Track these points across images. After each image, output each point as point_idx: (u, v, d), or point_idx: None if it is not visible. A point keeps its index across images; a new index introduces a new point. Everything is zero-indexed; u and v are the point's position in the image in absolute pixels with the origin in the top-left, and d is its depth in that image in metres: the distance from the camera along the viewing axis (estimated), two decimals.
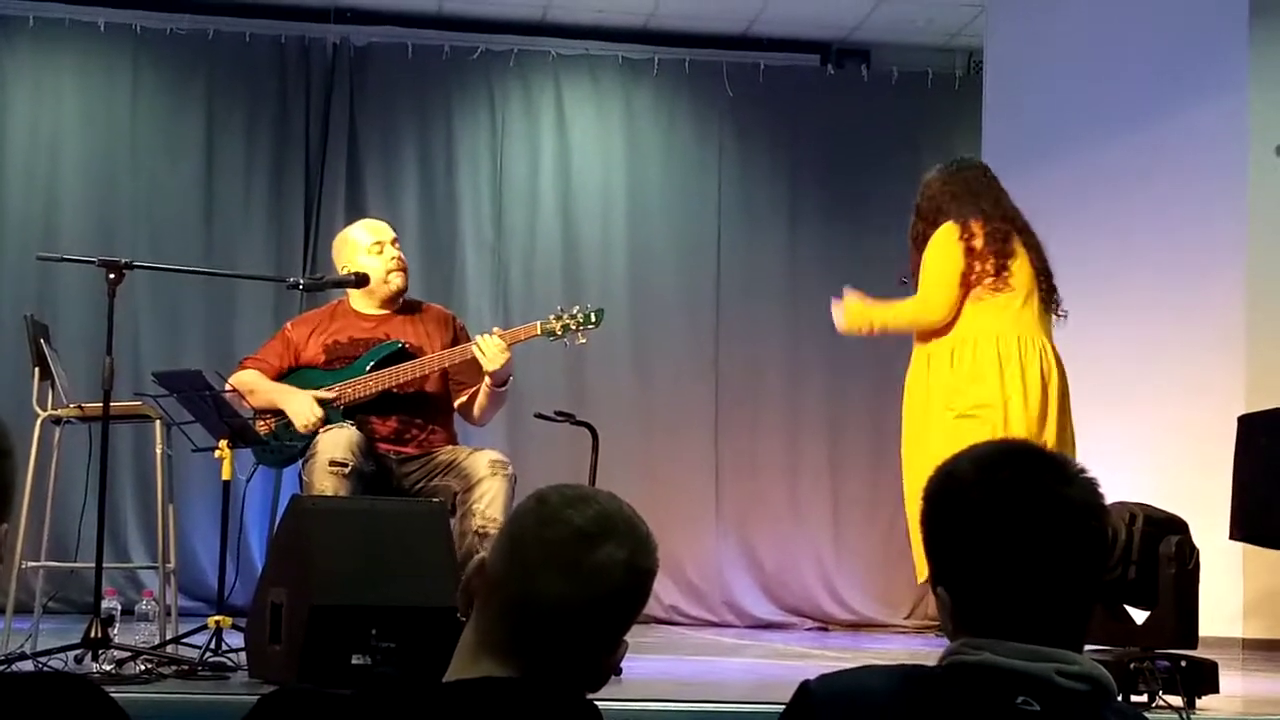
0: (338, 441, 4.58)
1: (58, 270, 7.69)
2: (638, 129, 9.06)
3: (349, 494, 4.48)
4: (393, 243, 5.04)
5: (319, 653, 3.69)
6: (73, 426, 5.14)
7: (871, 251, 8.13)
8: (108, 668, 4.00)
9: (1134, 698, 3.86)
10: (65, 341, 6.51)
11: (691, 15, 8.86)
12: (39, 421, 5.09)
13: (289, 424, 4.82)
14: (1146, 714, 3.66)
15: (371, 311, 5.03)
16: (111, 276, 4.31)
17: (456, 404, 5.02)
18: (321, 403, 4.78)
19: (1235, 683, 4.90)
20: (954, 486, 1.74)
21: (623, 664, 1.83)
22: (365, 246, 5.00)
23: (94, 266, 4.41)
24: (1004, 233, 4.88)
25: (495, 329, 4.92)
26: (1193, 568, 4.10)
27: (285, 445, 4.82)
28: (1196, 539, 4.16)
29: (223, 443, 4.54)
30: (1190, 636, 4.07)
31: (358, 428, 4.71)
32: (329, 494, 4.44)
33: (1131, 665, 3.89)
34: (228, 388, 4.73)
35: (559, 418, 5.07)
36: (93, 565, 4.33)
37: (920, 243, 4.98)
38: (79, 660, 4.12)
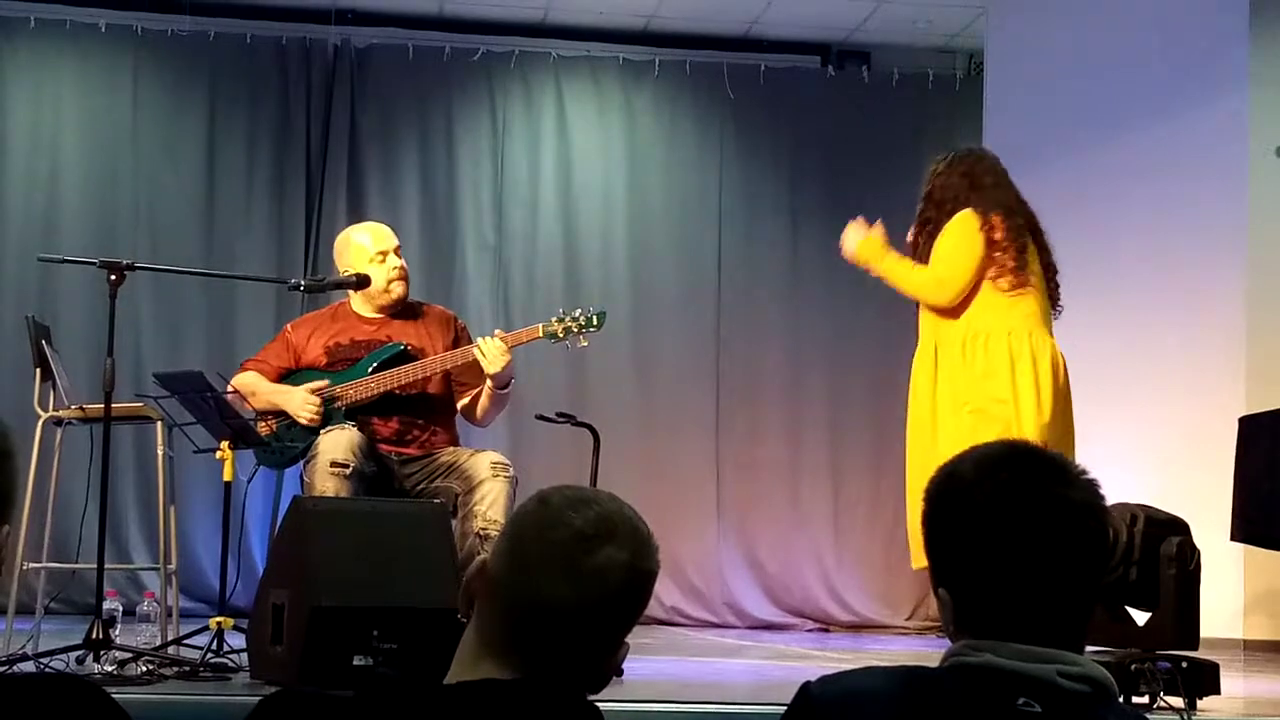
0: (339, 443, 4.58)
1: (59, 271, 7.69)
2: (639, 130, 9.05)
3: (350, 495, 4.48)
4: (395, 251, 5.04)
5: (320, 654, 3.69)
6: (74, 427, 5.15)
7: None
8: (109, 669, 4.00)
9: (1135, 699, 3.86)
10: (66, 343, 6.52)
11: (692, 17, 8.85)
12: (40, 422, 5.10)
13: (291, 424, 4.82)
14: (1148, 715, 3.68)
15: (373, 314, 5.03)
16: (113, 278, 4.30)
17: (459, 405, 5.03)
18: (324, 400, 4.78)
19: (1236, 684, 4.90)
20: (955, 487, 1.74)
21: (624, 665, 1.83)
22: (369, 255, 5.00)
23: (95, 268, 4.40)
24: (1022, 229, 4.90)
25: (497, 331, 4.93)
26: (1194, 569, 4.10)
27: (287, 446, 4.82)
28: (1197, 540, 4.15)
29: (224, 444, 4.53)
30: (1191, 637, 4.07)
31: (359, 429, 4.71)
32: (330, 495, 4.45)
33: (1132, 666, 3.89)
34: (229, 390, 4.73)
35: (560, 419, 5.07)
36: (94, 566, 4.32)
37: (928, 226, 4.97)
38: (80, 661, 4.11)
